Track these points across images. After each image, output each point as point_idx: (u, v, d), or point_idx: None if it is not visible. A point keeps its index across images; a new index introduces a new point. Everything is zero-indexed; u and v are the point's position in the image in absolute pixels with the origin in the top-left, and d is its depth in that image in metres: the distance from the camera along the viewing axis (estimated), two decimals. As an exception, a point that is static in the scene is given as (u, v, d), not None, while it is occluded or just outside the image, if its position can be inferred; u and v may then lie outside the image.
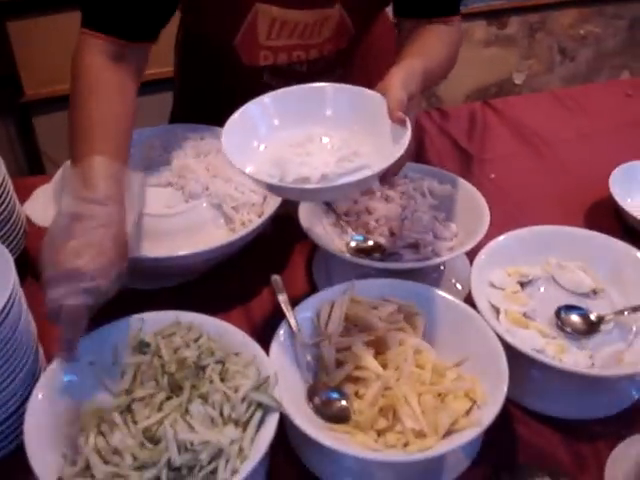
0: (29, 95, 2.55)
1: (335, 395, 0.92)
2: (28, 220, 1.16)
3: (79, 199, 0.95)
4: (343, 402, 0.91)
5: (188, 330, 0.94)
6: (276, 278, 1.03)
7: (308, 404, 0.91)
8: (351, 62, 1.41)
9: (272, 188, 0.94)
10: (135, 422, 0.85)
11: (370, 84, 1.17)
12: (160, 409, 0.85)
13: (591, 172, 1.45)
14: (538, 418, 1.00)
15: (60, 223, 0.93)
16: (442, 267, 1.19)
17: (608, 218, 1.36)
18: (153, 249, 1.09)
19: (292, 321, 0.96)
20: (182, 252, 1.07)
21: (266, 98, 1.01)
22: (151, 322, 0.96)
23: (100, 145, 1.02)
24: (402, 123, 0.94)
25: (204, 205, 1.16)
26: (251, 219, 1.15)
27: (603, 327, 1.04)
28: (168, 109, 1.65)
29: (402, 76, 0.98)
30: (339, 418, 0.90)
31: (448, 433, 0.86)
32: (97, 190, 0.96)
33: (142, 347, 0.94)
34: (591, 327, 1.04)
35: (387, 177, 0.96)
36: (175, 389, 0.88)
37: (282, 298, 1.00)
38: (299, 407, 0.89)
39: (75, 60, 1.12)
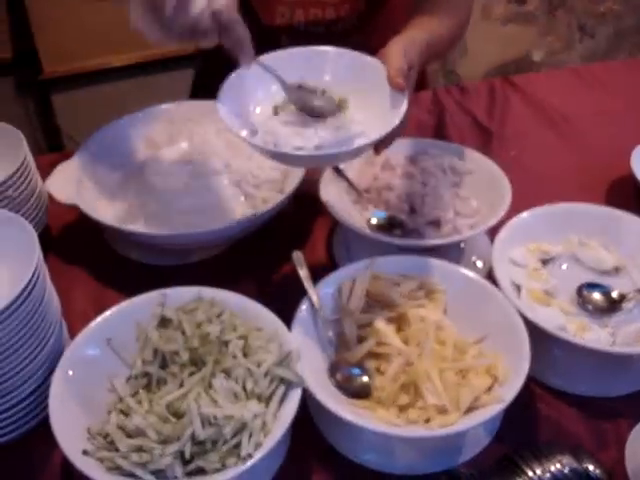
0: (48, 73, 2.55)
1: (357, 371, 0.93)
2: (50, 197, 1.16)
3: None
4: (365, 378, 0.92)
5: (210, 306, 0.95)
6: (297, 253, 1.03)
7: (330, 380, 0.92)
8: (369, 29, 1.40)
9: (267, 153, 0.95)
10: (157, 398, 0.85)
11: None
12: (183, 384, 0.86)
13: (612, 149, 1.43)
14: (559, 396, 1.00)
15: None
16: (463, 244, 1.18)
17: (629, 196, 1.35)
18: (174, 225, 1.09)
19: (314, 297, 0.97)
20: (203, 229, 1.07)
21: (265, 59, 1.00)
22: (173, 298, 0.96)
23: None
24: (401, 90, 0.95)
25: (225, 182, 1.16)
26: (272, 196, 1.15)
27: (625, 305, 1.04)
28: (188, 86, 1.65)
29: (403, 45, 0.99)
30: (361, 394, 0.91)
31: (469, 410, 0.86)
32: None
33: (164, 323, 0.94)
34: (613, 305, 1.04)
35: (382, 146, 0.97)
36: (198, 364, 0.88)
37: (303, 274, 1.00)
38: (321, 383, 0.89)
39: None
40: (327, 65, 1.04)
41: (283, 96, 1.01)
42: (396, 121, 0.93)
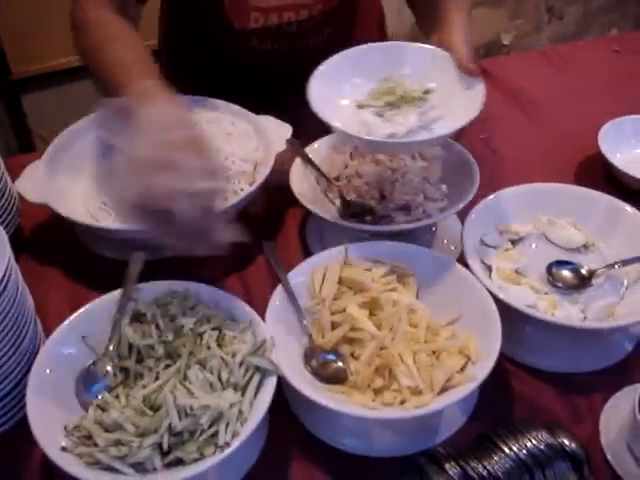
0: (16, 73, 2.54)
1: (331, 357, 0.93)
2: (20, 197, 1.16)
3: (166, 105, 0.91)
4: (339, 363, 0.93)
5: (184, 299, 0.95)
6: (268, 244, 1.04)
7: (305, 367, 0.93)
8: (337, 22, 1.41)
9: (362, 142, 1.03)
10: (134, 392, 0.86)
11: (359, 39, 1.19)
12: (158, 377, 0.86)
13: (580, 129, 1.45)
14: (533, 373, 1.02)
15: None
16: (434, 228, 1.19)
17: (598, 174, 1.36)
18: (146, 220, 1.09)
19: (287, 286, 0.97)
20: (175, 222, 1.07)
21: (349, 52, 1.10)
22: (147, 292, 0.97)
23: (150, 74, 1.01)
24: (476, 75, 1.04)
25: (195, 176, 1.16)
26: (243, 188, 1.15)
27: (594, 281, 1.06)
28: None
29: (462, 31, 1.07)
30: (336, 379, 0.91)
31: (444, 390, 0.88)
32: (175, 97, 0.95)
33: (138, 317, 0.94)
34: (582, 281, 1.05)
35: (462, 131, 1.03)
36: (173, 357, 0.89)
37: (275, 263, 1.00)
38: (296, 370, 0.90)
39: (78, 15, 1.12)
40: (406, 58, 1.10)
41: (366, 91, 1.09)
42: (478, 105, 1.00)
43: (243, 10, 1.30)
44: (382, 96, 1.07)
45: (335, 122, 1.00)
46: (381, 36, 1.65)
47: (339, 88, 1.09)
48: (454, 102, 1.05)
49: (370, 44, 1.12)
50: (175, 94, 0.97)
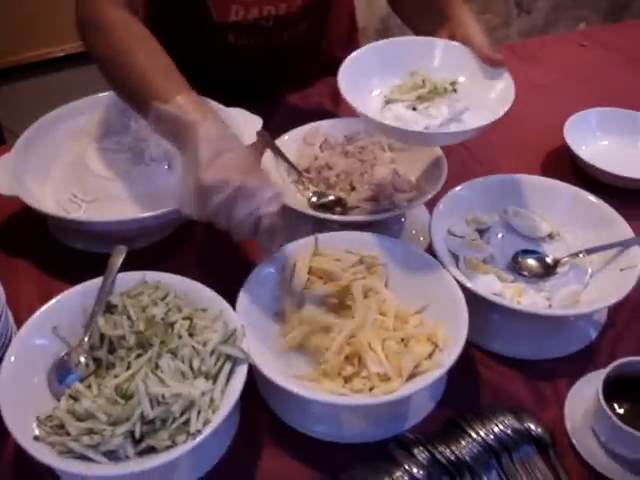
0: (-15, 66, 2.52)
1: (302, 345, 0.95)
2: (-10, 189, 1.16)
3: (209, 124, 0.94)
4: (310, 352, 0.94)
5: (155, 289, 0.96)
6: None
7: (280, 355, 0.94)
8: (313, 18, 1.42)
9: (395, 132, 1.03)
10: (106, 381, 0.87)
11: (329, 41, 1.20)
12: (130, 367, 0.87)
13: (547, 122, 1.47)
14: (500, 360, 1.04)
15: (196, 148, 0.91)
16: (403, 219, 1.21)
17: (564, 166, 1.39)
18: (116, 213, 1.10)
19: (257, 276, 0.98)
20: (145, 214, 1.08)
21: (379, 44, 1.12)
22: (118, 283, 0.97)
23: (185, 85, 1.01)
24: (502, 64, 1.07)
25: (165, 167, 1.17)
26: (213, 179, 1.16)
27: (559, 270, 1.08)
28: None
29: (476, 24, 1.10)
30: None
31: (412, 376, 0.89)
32: (212, 114, 0.97)
33: (110, 308, 0.95)
34: (547, 270, 1.08)
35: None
36: (145, 347, 0.89)
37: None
38: (268, 358, 0.91)
39: (92, 14, 1.08)
40: (435, 52, 1.11)
41: (393, 85, 1.10)
42: (511, 96, 1.04)
43: (224, 2, 1.31)
44: (411, 90, 1.08)
45: (371, 114, 1.01)
46: (352, 31, 1.67)
47: (368, 80, 1.10)
48: (481, 93, 1.07)
49: (397, 38, 1.13)
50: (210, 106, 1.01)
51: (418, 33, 1.18)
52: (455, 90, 1.08)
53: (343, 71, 1.05)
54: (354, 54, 1.09)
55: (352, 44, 1.68)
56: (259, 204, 0.90)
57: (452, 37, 1.11)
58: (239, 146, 0.95)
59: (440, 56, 1.11)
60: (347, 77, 1.05)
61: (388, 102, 1.08)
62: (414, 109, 1.05)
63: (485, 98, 1.07)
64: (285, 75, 1.50)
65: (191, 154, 0.92)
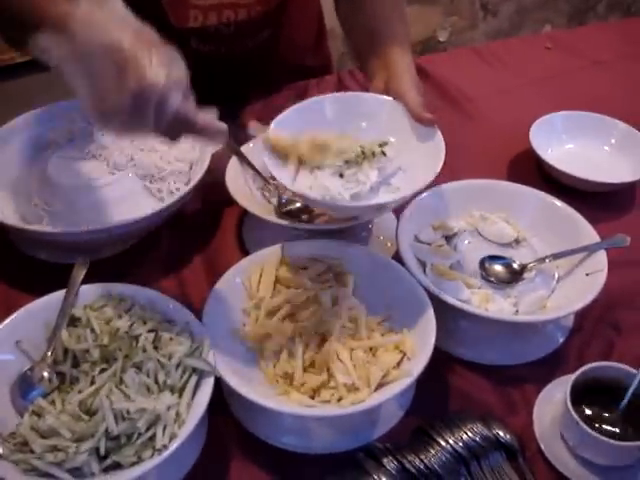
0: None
1: (270, 356, 0.94)
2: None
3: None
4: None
5: (119, 301, 0.95)
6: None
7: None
8: (276, 24, 1.42)
9: (328, 207, 1.00)
10: (69, 397, 0.85)
11: (294, 47, 1.19)
12: (94, 382, 0.86)
13: (513, 126, 1.48)
14: (468, 366, 1.04)
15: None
16: (370, 226, 1.21)
17: (530, 169, 1.39)
18: (80, 222, 1.08)
19: (223, 287, 0.97)
20: (109, 224, 1.07)
21: (303, 105, 1.06)
22: (82, 296, 0.96)
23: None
24: (433, 124, 1.02)
25: (130, 176, 1.15)
26: (179, 187, 1.15)
27: (526, 275, 1.08)
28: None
29: (412, 78, 1.06)
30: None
31: (380, 386, 0.89)
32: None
33: (73, 321, 0.93)
34: (514, 276, 1.08)
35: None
36: (109, 361, 0.88)
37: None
38: (235, 370, 0.90)
39: None
40: (360, 109, 1.07)
41: None
42: (441, 157, 0.99)
43: (182, 8, 1.30)
44: (339, 154, 1.01)
45: (295, 187, 0.97)
46: (320, 35, 1.66)
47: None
48: (411, 153, 1.03)
49: (323, 96, 1.08)
50: None
51: (361, 70, 1.19)
52: (384, 153, 1.02)
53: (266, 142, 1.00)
54: (280, 116, 1.03)
55: (320, 49, 1.68)
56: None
57: (386, 87, 1.07)
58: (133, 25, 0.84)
59: (368, 114, 1.07)
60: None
61: (317, 168, 1.01)
62: (341, 176, 0.99)
63: (415, 159, 1.02)
64: (251, 81, 1.49)
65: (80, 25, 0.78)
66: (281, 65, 1.54)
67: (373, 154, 1.01)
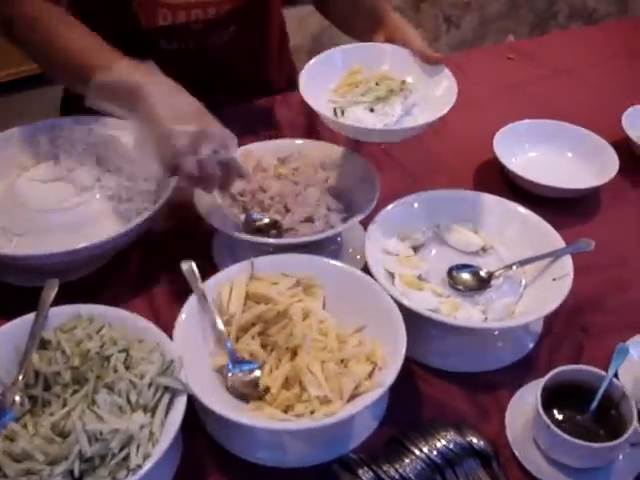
0: None
1: (246, 367, 0.94)
2: None
3: (151, 82, 1.03)
4: (257, 373, 0.94)
5: (89, 322, 0.94)
6: (188, 263, 1.04)
7: (219, 382, 0.93)
8: (243, 21, 1.44)
9: (360, 132, 1.14)
10: (42, 420, 0.84)
11: (262, 41, 1.38)
12: (66, 404, 0.85)
13: (477, 136, 1.49)
14: (440, 374, 1.04)
15: (150, 104, 1.00)
16: (339, 238, 1.21)
17: (495, 178, 1.41)
18: (49, 245, 1.08)
19: (193, 305, 0.97)
20: (78, 246, 1.06)
21: (334, 52, 1.23)
22: (51, 318, 0.95)
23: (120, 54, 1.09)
24: (440, 62, 1.19)
25: (97, 197, 1.15)
26: (146, 207, 1.15)
27: (493, 282, 1.09)
28: (56, 104, 1.63)
29: (413, 29, 1.21)
30: (252, 394, 0.92)
31: (352, 397, 0.89)
32: (155, 72, 1.08)
33: (44, 344, 0.93)
34: (482, 283, 1.09)
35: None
36: (81, 382, 0.88)
37: (196, 285, 1.01)
38: (207, 387, 0.90)
39: (9, 10, 1.16)
40: (384, 56, 1.23)
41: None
42: (454, 91, 1.15)
43: (152, 7, 1.32)
44: (368, 92, 1.18)
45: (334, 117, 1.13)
46: (283, 43, 1.68)
47: (326, 85, 1.21)
48: (428, 90, 1.18)
49: (352, 45, 1.25)
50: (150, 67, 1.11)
51: (354, 37, 1.30)
52: (404, 88, 1.19)
53: (305, 79, 1.16)
54: (314, 60, 1.20)
55: (283, 58, 1.69)
56: (221, 143, 1.00)
57: (390, 40, 1.22)
58: (188, 96, 1.04)
59: (389, 59, 1.22)
60: (308, 83, 1.16)
61: (344, 106, 1.17)
62: (372, 110, 1.15)
63: (431, 94, 1.18)
64: (218, 86, 1.50)
65: (146, 111, 1.00)
66: (247, 68, 1.56)
67: (398, 90, 1.18)
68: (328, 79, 1.21)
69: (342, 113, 1.16)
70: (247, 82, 1.57)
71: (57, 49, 1.12)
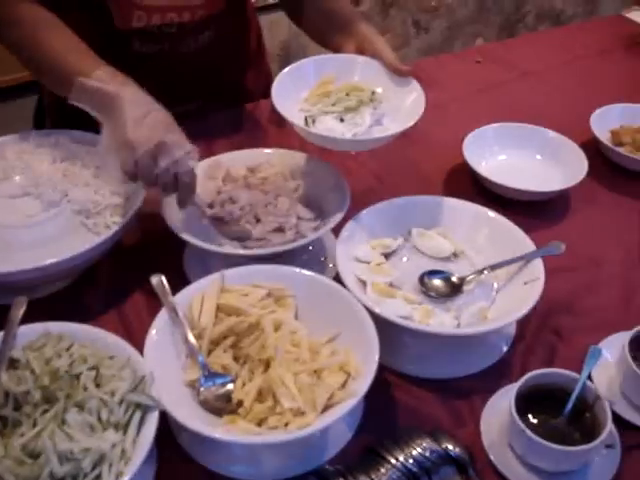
0: None
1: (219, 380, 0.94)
2: None
3: (123, 90, 1.07)
4: (229, 386, 0.94)
5: (59, 340, 0.93)
6: (158, 277, 1.03)
7: (192, 396, 0.92)
8: (219, 26, 1.44)
9: (330, 141, 1.15)
10: (12, 441, 0.83)
11: (238, 47, 1.39)
12: (36, 424, 0.84)
13: (447, 140, 1.50)
14: (414, 382, 1.04)
15: (121, 113, 1.05)
16: (310, 247, 1.21)
17: (465, 182, 1.41)
18: (17, 262, 1.06)
19: (164, 319, 0.97)
20: (48, 261, 1.05)
21: (307, 62, 1.25)
22: (20, 336, 0.94)
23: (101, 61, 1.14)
24: (410, 74, 1.21)
25: (65, 212, 1.14)
26: (115, 221, 1.14)
27: (465, 288, 1.10)
28: (28, 116, 1.62)
29: (382, 40, 1.23)
30: (225, 409, 0.92)
31: (327, 408, 0.89)
32: (131, 83, 1.10)
33: (13, 363, 0.92)
34: (454, 289, 1.09)
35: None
36: (51, 401, 0.87)
37: (166, 300, 1.00)
38: (180, 403, 0.89)
39: (5, 11, 1.19)
40: (356, 67, 1.24)
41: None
42: (422, 102, 1.17)
43: (127, 9, 1.31)
44: (338, 102, 1.20)
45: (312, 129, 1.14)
46: (259, 50, 1.67)
47: (297, 95, 1.22)
48: (396, 100, 1.20)
49: (323, 56, 1.26)
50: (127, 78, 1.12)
51: (325, 46, 1.34)
52: (374, 98, 1.21)
53: (277, 87, 1.18)
54: (286, 70, 1.22)
55: (260, 65, 1.69)
56: (177, 159, 1.03)
57: (360, 50, 1.24)
58: (159, 108, 1.08)
59: (360, 70, 1.24)
60: (280, 91, 1.17)
61: (315, 115, 1.19)
62: (342, 120, 1.18)
63: (401, 105, 1.20)
64: (194, 91, 1.51)
65: (117, 118, 1.05)
66: (223, 80, 1.55)
67: (367, 100, 1.20)
68: (300, 88, 1.22)
69: (313, 122, 1.17)
70: (224, 88, 1.56)
71: (41, 53, 1.16)
